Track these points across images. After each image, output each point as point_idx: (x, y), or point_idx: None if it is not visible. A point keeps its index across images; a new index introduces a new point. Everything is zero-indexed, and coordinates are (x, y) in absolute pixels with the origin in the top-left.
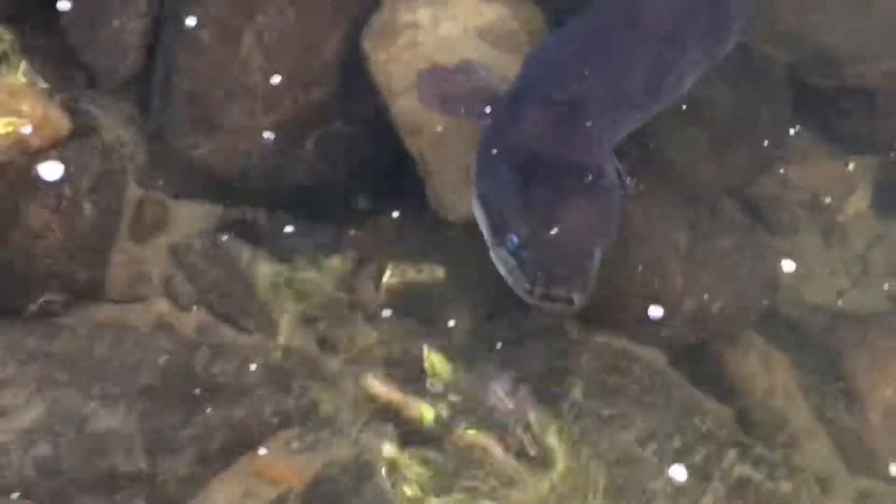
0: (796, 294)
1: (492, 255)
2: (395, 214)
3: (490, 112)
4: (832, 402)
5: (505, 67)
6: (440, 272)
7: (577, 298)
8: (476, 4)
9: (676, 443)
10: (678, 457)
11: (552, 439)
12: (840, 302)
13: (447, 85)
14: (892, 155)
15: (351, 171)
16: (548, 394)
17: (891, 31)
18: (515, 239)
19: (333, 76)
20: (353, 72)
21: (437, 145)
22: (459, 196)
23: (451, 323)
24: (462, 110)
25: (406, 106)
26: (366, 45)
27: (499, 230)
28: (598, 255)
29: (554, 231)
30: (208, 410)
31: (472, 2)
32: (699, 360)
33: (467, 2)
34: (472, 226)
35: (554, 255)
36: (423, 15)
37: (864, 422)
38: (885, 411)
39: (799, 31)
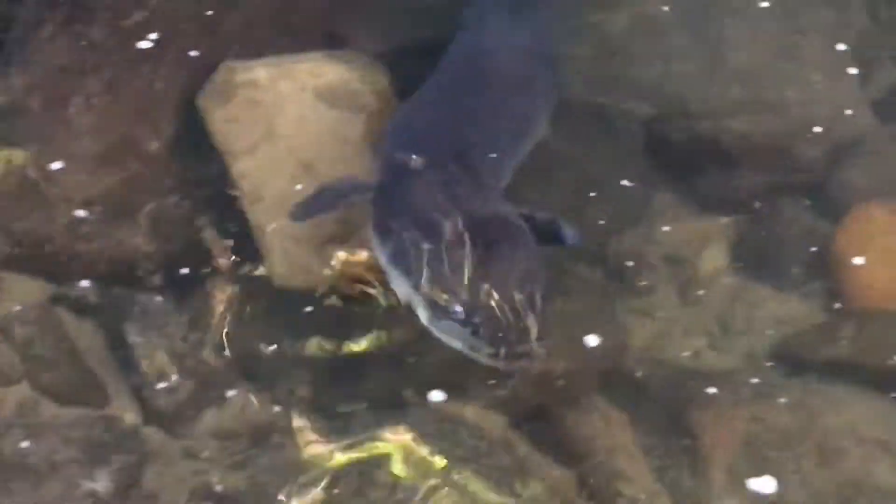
0: (649, 353)
1: (435, 331)
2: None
3: (377, 191)
4: (675, 462)
5: (345, 126)
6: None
7: (543, 347)
8: (316, 65)
9: None
10: None
11: None
12: (695, 360)
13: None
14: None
15: (188, 240)
16: (364, 466)
17: (743, 88)
18: (459, 308)
19: (170, 140)
20: (193, 134)
21: (275, 213)
22: (295, 265)
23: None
24: (340, 204)
25: (245, 168)
26: (201, 103)
27: (436, 305)
28: (540, 298)
29: (497, 288)
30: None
31: (312, 62)
32: (542, 422)
33: (307, 62)
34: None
35: (506, 313)
36: (261, 74)
37: (706, 481)
38: (728, 470)
39: (657, 86)
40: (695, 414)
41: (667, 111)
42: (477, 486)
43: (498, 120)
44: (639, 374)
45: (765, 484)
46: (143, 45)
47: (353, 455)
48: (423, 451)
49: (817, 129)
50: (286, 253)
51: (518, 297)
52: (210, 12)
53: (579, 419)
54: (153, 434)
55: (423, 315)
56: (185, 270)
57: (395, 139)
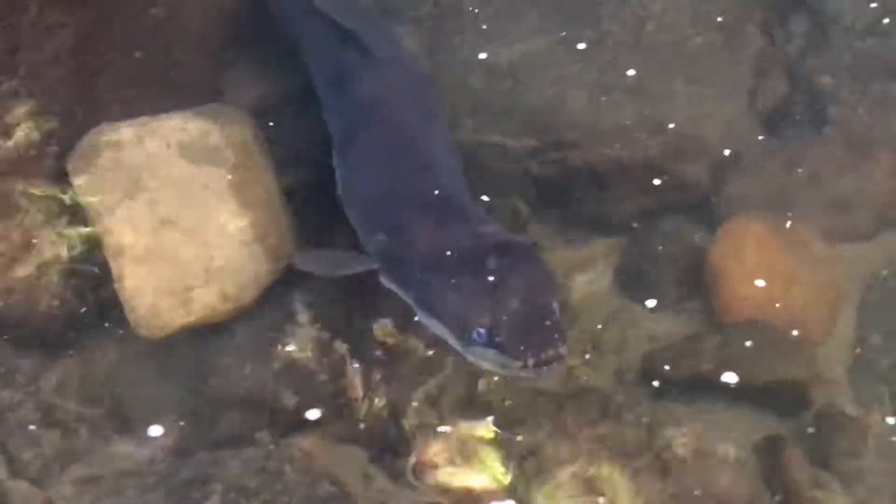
0: None
1: (468, 356)
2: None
3: (383, 255)
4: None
5: (205, 179)
6: None
7: (565, 350)
8: (183, 121)
9: None
10: None
11: None
12: (566, 381)
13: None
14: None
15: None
16: (187, 500)
17: (629, 110)
18: (482, 331)
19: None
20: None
21: (137, 265)
22: (153, 313)
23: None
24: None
25: (108, 225)
26: (69, 167)
27: (462, 332)
28: (556, 306)
29: (510, 306)
30: None
31: (179, 119)
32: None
33: (174, 119)
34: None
35: (524, 326)
36: (126, 134)
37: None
38: (573, 481)
39: (540, 117)
40: (547, 433)
41: (545, 142)
42: None
43: (444, 153)
44: (501, 398)
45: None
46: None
47: None
48: None
49: (702, 147)
50: (148, 303)
51: (537, 309)
52: (87, 74)
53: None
54: (19, 486)
55: (454, 345)
56: (54, 327)
57: (370, 208)
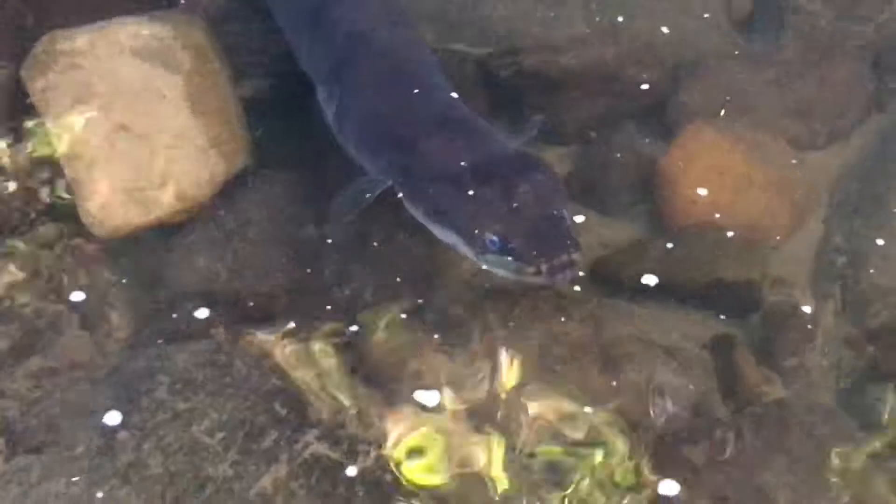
0: (456, 272)
1: (483, 264)
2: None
3: (396, 171)
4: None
5: (160, 83)
6: None
7: (578, 257)
8: (137, 27)
9: (246, 429)
10: (245, 442)
11: (125, 435)
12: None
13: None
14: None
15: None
16: (134, 392)
17: (584, 19)
18: (496, 238)
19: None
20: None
21: (92, 168)
22: (108, 214)
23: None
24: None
25: (62, 129)
26: (23, 73)
27: (476, 240)
28: (567, 213)
29: (523, 213)
30: None
31: (133, 24)
32: None
33: (128, 25)
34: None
35: (537, 232)
36: (81, 42)
37: (498, 397)
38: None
39: (495, 26)
40: (493, 333)
41: (499, 50)
42: None
43: (438, 71)
44: (445, 296)
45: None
46: None
47: None
48: None
49: (659, 54)
50: (102, 204)
51: (549, 216)
52: None
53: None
54: None
55: (470, 255)
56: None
57: (376, 130)
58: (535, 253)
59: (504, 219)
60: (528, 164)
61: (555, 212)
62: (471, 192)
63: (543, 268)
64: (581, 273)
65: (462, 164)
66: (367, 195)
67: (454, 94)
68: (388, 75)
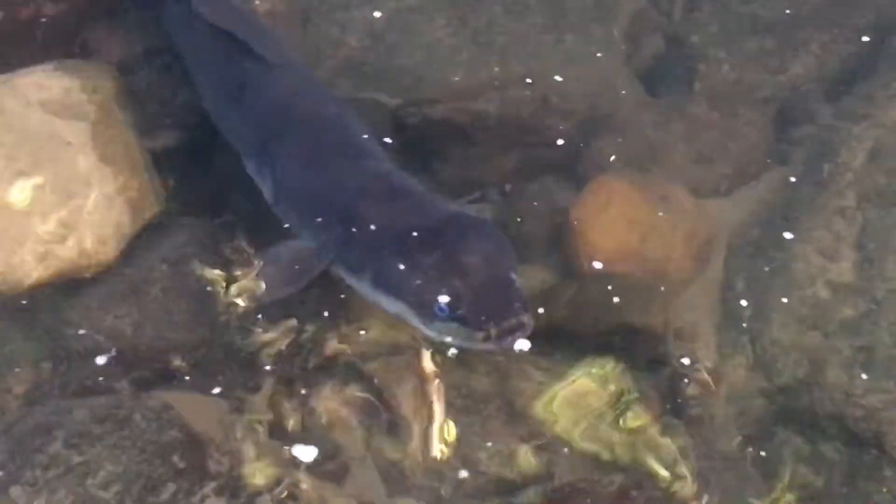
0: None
1: (428, 331)
2: None
3: (333, 242)
4: (378, 431)
5: (66, 133)
6: None
7: (527, 319)
8: (44, 77)
9: (143, 482)
10: (142, 494)
11: (18, 492)
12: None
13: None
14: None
15: None
16: (29, 447)
17: (499, 68)
18: (444, 305)
19: None
20: None
21: None
22: (10, 267)
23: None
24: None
25: None
26: None
27: (423, 308)
28: (514, 276)
29: (470, 278)
30: None
31: (40, 75)
32: None
33: (35, 75)
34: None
35: (485, 297)
36: None
37: (403, 446)
38: (423, 437)
39: (410, 75)
40: (399, 386)
41: (413, 98)
42: None
43: (367, 137)
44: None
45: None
46: None
47: None
48: None
49: (571, 104)
50: (4, 258)
51: (497, 279)
52: None
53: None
54: None
55: (416, 323)
56: None
57: (313, 204)
58: (483, 318)
59: (450, 285)
60: (473, 227)
61: (501, 273)
62: (414, 259)
63: (493, 332)
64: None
65: (405, 231)
66: (309, 273)
67: (386, 160)
68: (320, 146)
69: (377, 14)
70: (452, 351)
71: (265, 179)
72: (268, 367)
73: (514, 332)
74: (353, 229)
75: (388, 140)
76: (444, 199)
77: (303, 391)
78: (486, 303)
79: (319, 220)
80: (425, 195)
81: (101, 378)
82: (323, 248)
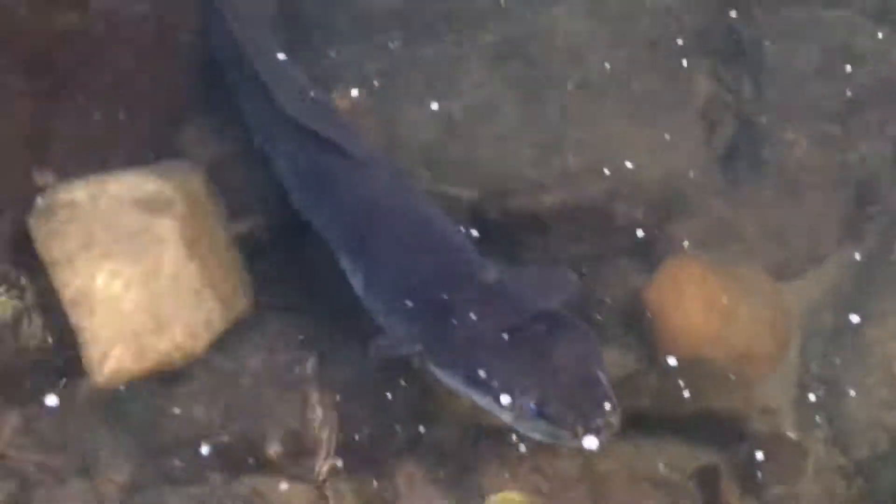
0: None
1: (518, 428)
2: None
3: (426, 335)
4: None
5: (158, 230)
6: None
7: (615, 418)
8: (137, 178)
9: None
10: None
11: None
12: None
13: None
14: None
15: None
16: None
17: (576, 158)
18: (532, 404)
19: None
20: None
21: (92, 315)
22: (108, 360)
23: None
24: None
25: (64, 276)
26: (30, 222)
27: (512, 406)
28: (604, 376)
29: (558, 377)
30: None
31: (132, 175)
32: None
33: (128, 176)
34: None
35: (573, 396)
36: (80, 192)
37: None
38: None
39: (488, 167)
40: (484, 469)
41: (490, 191)
42: None
43: (455, 232)
44: (439, 433)
45: None
46: None
47: None
48: None
49: (644, 189)
50: (102, 352)
51: (582, 377)
52: (45, 137)
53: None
54: None
55: (506, 419)
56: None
57: (406, 299)
58: (571, 418)
59: (539, 384)
60: (562, 325)
61: (589, 372)
62: (505, 357)
63: (580, 431)
64: None
65: (495, 328)
66: (397, 355)
67: (476, 254)
68: (410, 242)
69: (453, 108)
70: None
71: (357, 273)
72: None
73: (600, 430)
74: (445, 325)
75: (474, 232)
76: (533, 294)
77: (390, 475)
78: (575, 402)
79: (410, 314)
80: (515, 290)
81: (194, 466)
82: (411, 340)
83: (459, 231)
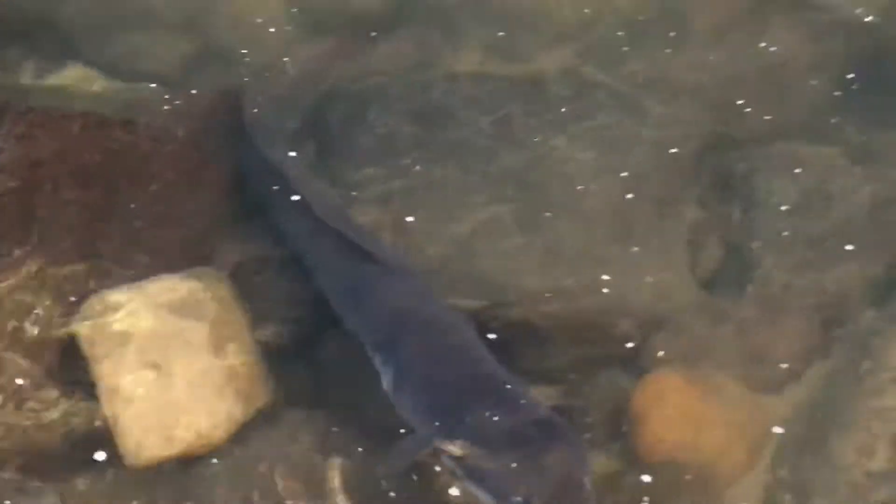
0: None
1: None
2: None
3: (436, 431)
4: None
5: (189, 331)
6: None
7: None
8: (170, 283)
9: None
10: None
11: None
12: None
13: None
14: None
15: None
16: None
17: (568, 275)
18: (520, 500)
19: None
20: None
21: (128, 406)
22: (139, 446)
23: None
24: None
25: (102, 370)
26: (74, 324)
27: (502, 498)
28: (587, 479)
29: (545, 479)
30: None
31: (167, 281)
32: None
33: (163, 281)
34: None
35: (557, 497)
36: (121, 297)
37: None
38: None
39: (491, 280)
40: None
41: (492, 301)
42: None
43: (478, 340)
44: None
45: None
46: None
47: None
48: None
49: (632, 306)
50: (135, 439)
51: (567, 482)
52: (93, 242)
53: None
54: None
55: None
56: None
57: (428, 399)
58: None
59: (527, 483)
60: (557, 433)
61: (575, 477)
62: (502, 457)
63: None
64: None
65: (499, 431)
66: (413, 454)
67: (492, 360)
68: (438, 349)
69: (461, 227)
70: None
71: (387, 371)
72: None
73: None
74: (457, 426)
75: (492, 336)
76: (539, 402)
77: None
78: (558, 502)
79: (432, 411)
80: (522, 397)
81: None
82: (432, 435)
83: (478, 338)
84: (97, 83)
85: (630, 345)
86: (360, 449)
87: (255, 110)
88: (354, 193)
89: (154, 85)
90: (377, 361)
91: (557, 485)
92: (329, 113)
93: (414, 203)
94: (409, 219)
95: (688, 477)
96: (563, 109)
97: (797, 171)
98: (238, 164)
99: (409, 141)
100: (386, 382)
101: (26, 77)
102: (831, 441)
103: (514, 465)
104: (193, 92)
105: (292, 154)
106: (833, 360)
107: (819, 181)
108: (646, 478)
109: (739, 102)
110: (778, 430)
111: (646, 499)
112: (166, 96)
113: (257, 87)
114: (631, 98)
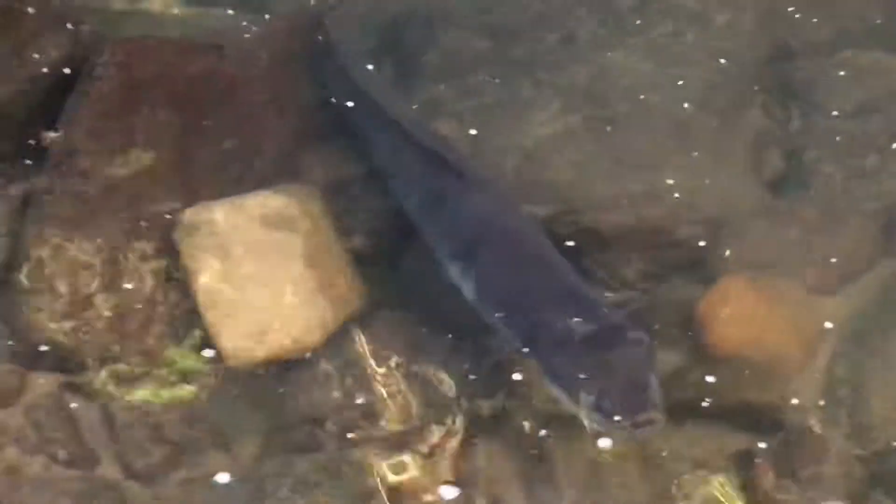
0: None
1: (581, 417)
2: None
3: (519, 333)
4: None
5: (283, 244)
6: None
7: (658, 416)
8: (264, 199)
9: None
10: None
11: None
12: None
13: None
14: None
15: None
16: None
17: (636, 182)
18: (591, 398)
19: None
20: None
21: (227, 316)
22: (239, 350)
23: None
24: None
25: (202, 283)
26: (175, 237)
27: (576, 399)
28: (653, 379)
29: (616, 378)
30: None
31: (261, 197)
32: None
33: (257, 197)
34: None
35: (624, 395)
36: (217, 211)
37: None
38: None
39: (560, 188)
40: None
41: (561, 209)
42: None
43: (554, 249)
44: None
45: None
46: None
47: None
48: None
49: (699, 213)
50: (233, 343)
51: (634, 381)
52: (187, 162)
53: None
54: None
55: (572, 408)
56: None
57: (511, 305)
58: (621, 413)
59: (599, 383)
60: (628, 336)
61: (643, 377)
62: (576, 359)
63: (626, 424)
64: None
65: (573, 335)
66: (502, 353)
67: (567, 266)
68: (515, 254)
69: (531, 139)
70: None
71: (468, 280)
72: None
73: (645, 425)
74: (537, 328)
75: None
76: (610, 307)
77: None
78: (625, 400)
79: (512, 317)
80: (594, 302)
81: (315, 437)
82: (513, 339)
83: (553, 245)
84: (179, 9)
85: (699, 245)
86: (447, 349)
87: (337, 29)
88: (428, 109)
89: (231, 12)
90: (455, 271)
91: (626, 382)
92: (403, 32)
93: (485, 117)
94: (480, 132)
95: (751, 371)
96: (628, 22)
97: (856, 78)
98: (322, 83)
99: (479, 58)
100: (467, 290)
101: (118, 2)
102: (889, 341)
103: (588, 366)
104: (267, 17)
105: (373, 70)
106: (893, 261)
107: (879, 88)
108: (708, 373)
109: (798, 16)
110: (837, 329)
111: (710, 393)
112: (244, 23)
113: (335, 7)
114: (695, 9)
